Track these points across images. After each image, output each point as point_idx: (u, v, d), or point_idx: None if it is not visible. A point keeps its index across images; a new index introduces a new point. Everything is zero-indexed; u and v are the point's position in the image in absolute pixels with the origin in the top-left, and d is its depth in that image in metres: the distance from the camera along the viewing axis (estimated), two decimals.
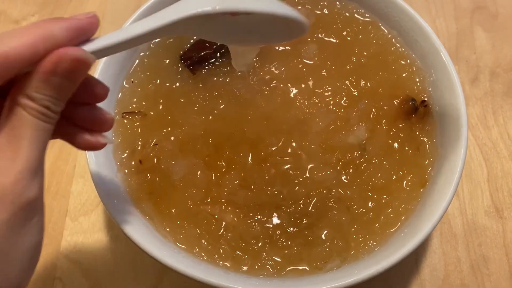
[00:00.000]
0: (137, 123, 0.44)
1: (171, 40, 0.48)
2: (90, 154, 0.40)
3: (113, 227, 0.49)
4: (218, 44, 0.47)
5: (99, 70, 0.43)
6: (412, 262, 0.48)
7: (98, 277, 0.47)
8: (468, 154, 0.53)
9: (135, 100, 0.45)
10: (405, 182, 0.42)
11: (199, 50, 0.47)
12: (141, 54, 0.48)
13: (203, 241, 0.40)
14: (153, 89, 0.46)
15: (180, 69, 0.47)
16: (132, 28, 0.29)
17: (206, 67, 0.47)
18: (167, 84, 0.46)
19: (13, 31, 0.26)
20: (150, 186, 0.42)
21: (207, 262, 0.39)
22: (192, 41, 0.48)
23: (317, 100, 0.45)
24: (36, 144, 0.26)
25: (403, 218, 0.41)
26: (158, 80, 0.46)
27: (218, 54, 0.47)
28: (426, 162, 0.43)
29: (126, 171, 0.42)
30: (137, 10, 0.46)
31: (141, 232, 0.38)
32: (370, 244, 0.40)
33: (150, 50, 0.48)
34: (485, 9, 0.63)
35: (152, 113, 0.45)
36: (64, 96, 0.27)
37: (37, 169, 0.27)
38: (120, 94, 0.46)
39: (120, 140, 0.44)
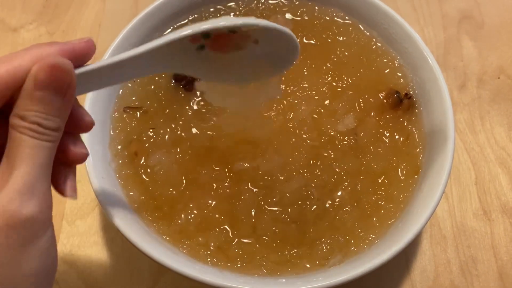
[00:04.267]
0: (136, 118, 0.46)
1: None
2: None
3: (109, 230, 0.50)
4: None
5: None
6: (402, 263, 0.49)
7: (95, 279, 0.48)
8: (456, 158, 0.55)
9: (134, 98, 0.47)
10: (399, 170, 0.44)
11: None
12: None
13: (185, 240, 0.41)
14: (153, 90, 0.47)
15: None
16: (123, 54, 0.30)
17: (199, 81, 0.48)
18: (169, 93, 0.48)
19: (4, 56, 0.26)
20: (140, 177, 0.43)
21: (201, 261, 0.40)
22: None
23: (299, 93, 0.47)
24: (32, 162, 0.26)
25: (402, 206, 0.42)
26: (159, 85, 0.48)
27: None
28: (417, 150, 0.45)
29: (120, 161, 0.44)
30: (133, 19, 0.48)
31: (133, 228, 0.39)
32: (370, 238, 0.41)
33: None
34: (471, 19, 0.65)
35: (151, 110, 0.46)
36: (54, 111, 0.27)
37: (35, 187, 0.26)
38: (121, 90, 0.47)
39: (117, 132, 0.45)
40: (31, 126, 0.26)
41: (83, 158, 0.31)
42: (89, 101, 0.43)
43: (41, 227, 0.27)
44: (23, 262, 0.25)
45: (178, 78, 0.48)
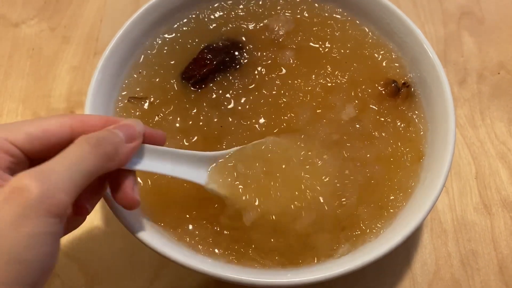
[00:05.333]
0: (140, 109, 0.46)
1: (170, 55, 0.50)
2: None
3: (111, 223, 0.50)
4: (218, 60, 0.49)
5: (104, 58, 0.45)
6: (403, 257, 0.49)
7: (96, 272, 0.48)
8: (456, 153, 0.55)
9: (138, 89, 0.47)
10: (404, 157, 0.44)
11: (200, 67, 0.48)
12: (149, 51, 0.50)
13: (187, 230, 0.41)
14: (158, 82, 0.48)
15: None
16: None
17: (209, 83, 0.48)
18: (175, 87, 0.48)
19: (54, 116, 0.33)
20: None
21: (203, 253, 0.40)
22: (191, 60, 0.49)
23: (300, 90, 0.47)
24: (64, 163, 0.30)
25: (409, 191, 0.43)
26: (165, 78, 0.48)
27: (219, 69, 0.49)
28: (419, 136, 0.45)
29: None
30: (134, 14, 0.48)
31: (135, 219, 0.39)
32: (376, 227, 0.41)
33: (155, 49, 0.50)
34: (471, 15, 0.65)
35: (156, 102, 0.47)
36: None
37: (52, 177, 0.29)
38: (126, 81, 0.48)
39: None
40: (92, 134, 0.32)
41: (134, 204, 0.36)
42: (92, 90, 0.43)
43: (38, 211, 0.27)
44: (17, 236, 0.26)
45: (186, 77, 0.48)
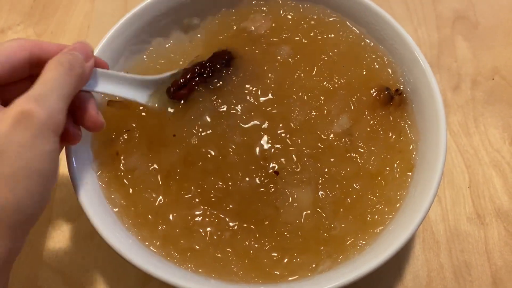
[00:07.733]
0: (119, 115, 0.45)
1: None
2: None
3: (96, 236, 0.48)
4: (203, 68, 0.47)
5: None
6: (395, 269, 0.48)
7: (81, 286, 0.47)
8: (450, 161, 0.54)
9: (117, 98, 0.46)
10: (394, 169, 0.43)
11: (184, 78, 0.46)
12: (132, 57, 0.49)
13: (168, 246, 0.40)
14: None
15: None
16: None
17: (192, 91, 0.46)
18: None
19: (12, 40, 0.35)
20: (121, 178, 0.42)
21: (186, 268, 0.39)
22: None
23: (294, 97, 0.46)
24: (50, 82, 0.33)
25: (397, 205, 0.42)
26: None
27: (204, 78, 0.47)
28: (410, 147, 0.44)
29: (102, 160, 0.43)
30: (119, 21, 0.47)
31: (116, 233, 0.39)
32: (360, 244, 0.40)
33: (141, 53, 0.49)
34: (465, 19, 0.64)
35: (132, 105, 0.45)
36: (82, 59, 0.36)
37: (47, 99, 0.32)
38: None
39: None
40: (61, 57, 0.35)
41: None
42: None
43: (47, 131, 0.32)
44: (34, 154, 0.31)
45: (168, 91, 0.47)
